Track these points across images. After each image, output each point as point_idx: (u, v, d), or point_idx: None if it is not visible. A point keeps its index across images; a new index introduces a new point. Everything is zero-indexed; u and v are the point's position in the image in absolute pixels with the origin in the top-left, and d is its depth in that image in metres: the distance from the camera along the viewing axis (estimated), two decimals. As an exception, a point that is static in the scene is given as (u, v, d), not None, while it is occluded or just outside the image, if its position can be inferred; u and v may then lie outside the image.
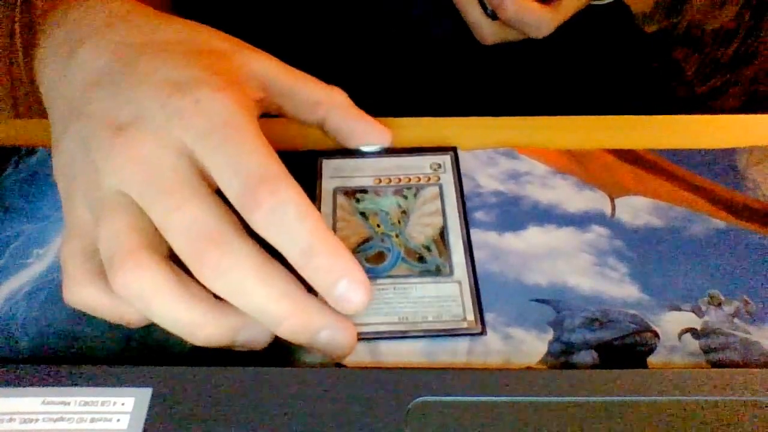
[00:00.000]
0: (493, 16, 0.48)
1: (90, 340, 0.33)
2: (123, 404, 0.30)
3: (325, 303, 0.29)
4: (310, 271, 0.28)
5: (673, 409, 0.29)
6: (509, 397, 0.30)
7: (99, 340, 0.33)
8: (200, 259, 0.28)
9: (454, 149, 0.40)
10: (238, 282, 0.28)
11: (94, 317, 0.31)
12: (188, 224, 0.28)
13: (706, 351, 0.33)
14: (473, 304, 0.34)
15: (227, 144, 0.29)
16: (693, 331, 0.33)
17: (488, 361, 0.32)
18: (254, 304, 0.28)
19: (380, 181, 0.38)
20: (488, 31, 0.49)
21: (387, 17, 0.57)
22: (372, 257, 0.35)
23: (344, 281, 0.28)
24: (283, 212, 0.28)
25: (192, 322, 0.29)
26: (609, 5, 0.59)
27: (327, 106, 0.36)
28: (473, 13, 0.49)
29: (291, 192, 0.28)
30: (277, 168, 0.28)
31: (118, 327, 0.33)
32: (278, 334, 0.29)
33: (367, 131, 0.38)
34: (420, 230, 0.36)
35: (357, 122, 0.37)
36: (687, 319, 0.34)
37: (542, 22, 0.46)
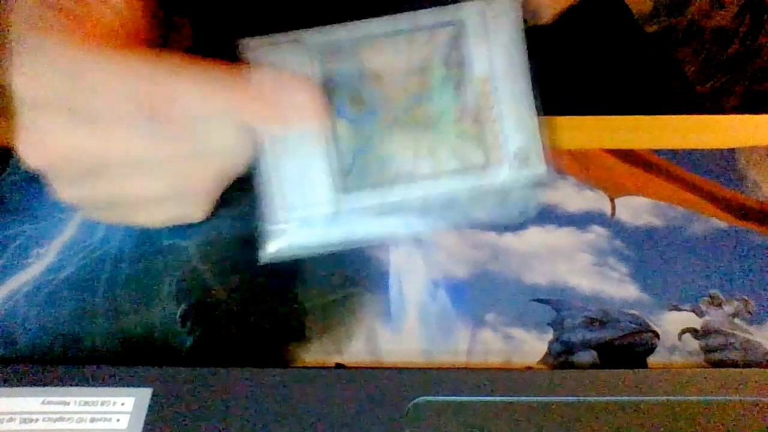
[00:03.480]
0: None
1: (90, 340, 0.33)
2: (123, 404, 0.30)
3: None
4: None
5: (673, 409, 0.29)
6: (509, 397, 0.30)
7: (99, 340, 0.33)
8: None
9: None
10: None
11: (94, 317, 0.31)
12: None
13: (706, 351, 0.33)
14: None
15: None
16: (693, 331, 0.33)
17: (488, 361, 0.32)
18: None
19: None
20: None
21: (379, 9, 0.57)
22: None
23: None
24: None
25: None
26: None
27: None
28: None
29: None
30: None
31: (118, 327, 0.33)
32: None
33: None
34: None
35: None
36: (687, 319, 0.34)
37: (540, 10, 0.46)
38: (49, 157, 0.28)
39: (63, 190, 0.30)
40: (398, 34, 0.29)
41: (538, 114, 0.31)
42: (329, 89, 0.29)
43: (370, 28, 0.29)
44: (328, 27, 0.30)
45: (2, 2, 0.32)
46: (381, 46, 0.29)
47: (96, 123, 0.27)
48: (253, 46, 0.29)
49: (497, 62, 0.29)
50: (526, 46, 0.29)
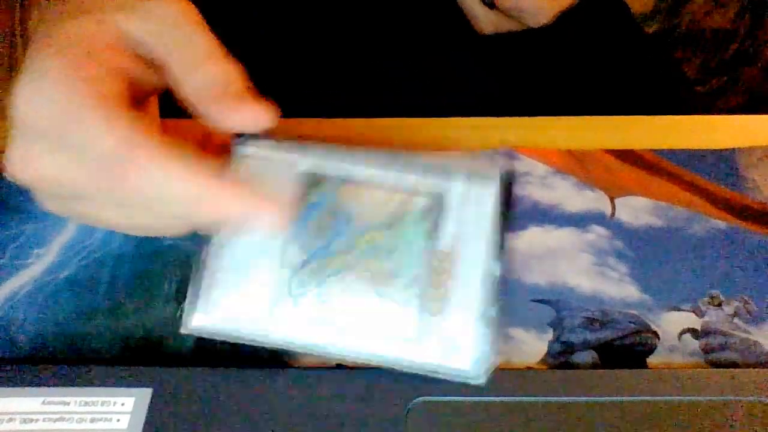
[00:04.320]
0: (490, 4, 0.48)
1: (90, 340, 0.33)
2: (123, 404, 0.30)
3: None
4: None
5: (673, 409, 0.29)
6: (509, 397, 0.30)
7: (99, 340, 0.33)
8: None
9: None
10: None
11: (93, 317, 0.31)
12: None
13: (706, 351, 0.33)
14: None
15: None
16: (693, 331, 0.33)
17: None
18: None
19: None
20: (485, 20, 0.49)
21: (380, 11, 0.56)
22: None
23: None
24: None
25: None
26: None
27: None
28: (470, 2, 0.49)
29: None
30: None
31: (118, 327, 0.33)
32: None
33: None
34: None
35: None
36: (687, 319, 0.34)
37: (540, 10, 0.46)
38: (32, 177, 0.29)
39: (45, 204, 0.31)
40: (380, 188, 0.30)
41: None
42: (300, 207, 0.30)
43: (358, 172, 0.30)
44: (321, 150, 0.30)
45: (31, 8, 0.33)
46: (361, 192, 0.30)
47: (77, 161, 0.28)
48: (245, 148, 0.30)
49: (461, 245, 0.29)
50: (499, 226, 0.30)
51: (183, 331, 0.30)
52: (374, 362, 0.29)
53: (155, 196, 0.28)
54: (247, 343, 0.30)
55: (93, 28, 0.29)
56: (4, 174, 0.40)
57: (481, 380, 0.28)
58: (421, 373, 0.29)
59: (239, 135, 0.31)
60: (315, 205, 0.30)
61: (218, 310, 0.30)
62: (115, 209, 0.30)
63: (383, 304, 0.29)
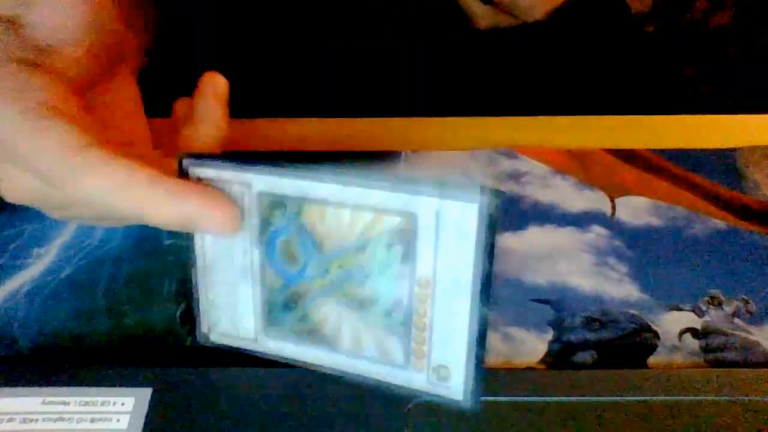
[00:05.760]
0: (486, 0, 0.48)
1: (90, 340, 0.33)
2: (123, 404, 0.30)
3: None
4: None
5: (673, 409, 0.29)
6: (509, 397, 0.30)
7: (99, 340, 0.33)
8: None
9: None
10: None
11: (93, 317, 0.31)
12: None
13: (706, 351, 0.33)
14: None
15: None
16: (693, 331, 0.33)
17: (488, 361, 0.32)
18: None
19: None
20: (481, 15, 0.49)
21: (377, 9, 0.56)
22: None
23: None
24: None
25: None
26: None
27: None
28: None
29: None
30: None
31: (118, 327, 0.33)
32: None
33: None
34: None
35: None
36: (687, 319, 0.34)
37: (535, 5, 0.46)
38: (21, 199, 0.29)
39: (48, 214, 0.31)
40: (344, 206, 0.27)
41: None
42: (265, 231, 0.28)
43: (318, 190, 0.27)
44: (277, 169, 0.27)
45: None
46: (324, 213, 0.27)
47: (39, 179, 0.27)
48: (195, 169, 0.28)
49: (443, 271, 0.26)
50: (485, 253, 0.25)
51: (200, 340, 0.30)
52: (368, 381, 0.28)
53: (101, 204, 0.27)
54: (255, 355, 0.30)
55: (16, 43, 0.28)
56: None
57: (473, 407, 0.27)
58: (413, 393, 0.28)
59: (189, 155, 0.28)
60: (280, 230, 0.28)
61: (217, 329, 0.30)
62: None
63: (368, 330, 0.28)
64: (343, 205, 0.27)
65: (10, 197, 0.29)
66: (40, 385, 0.30)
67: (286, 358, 0.29)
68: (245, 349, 0.30)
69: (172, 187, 0.26)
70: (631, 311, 0.34)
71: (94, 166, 0.26)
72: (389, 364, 0.28)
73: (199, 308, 0.30)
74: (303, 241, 0.28)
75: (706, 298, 0.34)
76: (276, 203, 0.28)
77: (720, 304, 0.34)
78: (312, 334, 0.28)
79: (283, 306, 0.28)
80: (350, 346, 0.28)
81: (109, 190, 0.26)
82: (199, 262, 0.29)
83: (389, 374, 0.28)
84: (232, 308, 0.29)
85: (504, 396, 0.30)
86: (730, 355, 0.33)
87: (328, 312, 0.28)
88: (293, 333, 0.29)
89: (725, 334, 0.33)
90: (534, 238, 0.37)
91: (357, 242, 0.27)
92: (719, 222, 0.38)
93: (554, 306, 0.34)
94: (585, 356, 0.33)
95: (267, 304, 0.29)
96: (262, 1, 0.57)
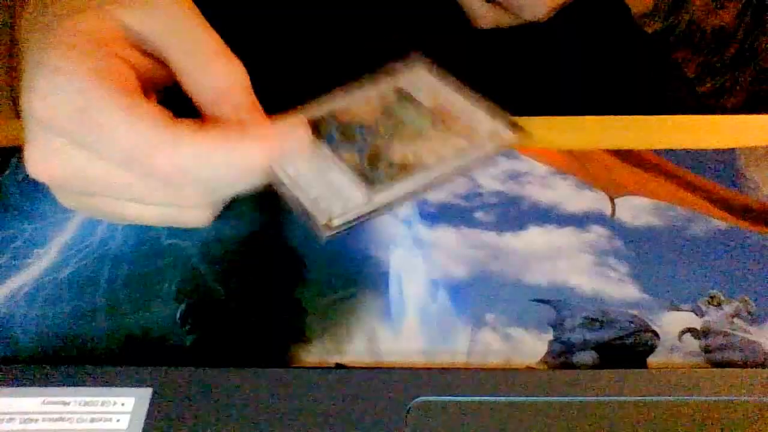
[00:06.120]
0: None
1: (90, 340, 0.33)
2: (123, 404, 0.30)
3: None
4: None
5: (673, 409, 0.29)
6: (509, 397, 0.30)
7: (99, 340, 0.33)
8: None
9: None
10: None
11: (93, 317, 0.31)
12: None
13: (706, 351, 0.33)
14: None
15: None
16: (693, 331, 0.33)
17: (488, 361, 0.32)
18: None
19: None
20: (483, 14, 0.49)
21: (377, 8, 0.56)
22: None
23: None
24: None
25: None
26: None
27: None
28: None
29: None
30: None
31: (118, 327, 0.33)
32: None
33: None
34: None
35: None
36: (687, 319, 0.34)
37: (537, 3, 0.46)
38: (52, 175, 0.29)
39: (63, 200, 0.31)
40: (351, 93, 0.35)
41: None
42: (321, 135, 0.34)
43: (337, 100, 0.35)
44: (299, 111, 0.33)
45: (16, 15, 0.32)
46: (351, 107, 0.35)
47: (98, 157, 0.28)
48: None
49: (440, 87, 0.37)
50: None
51: (328, 235, 0.31)
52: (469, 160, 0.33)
53: (194, 175, 0.28)
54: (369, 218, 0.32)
55: (95, 23, 0.29)
56: (6, 173, 0.40)
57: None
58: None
59: None
60: (329, 137, 0.33)
61: (333, 214, 0.31)
62: (131, 202, 0.30)
63: (431, 143, 0.34)
64: (350, 92, 0.35)
65: (42, 174, 0.29)
66: (40, 385, 0.30)
67: (401, 198, 0.33)
68: (362, 216, 0.32)
69: (252, 128, 0.29)
70: (631, 311, 0.34)
71: (186, 134, 0.28)
72: (460, 152, 0.33)
73: (308, 211, 0.31)
74: (349, 125, 0.34)
75: (706, 298, 0.34)
76: (315, 126, 0.33)
77: (720, 304, 0.34)
78: (404, 170, 0.32)
79: (370, 168, 0.32)
80: (432, 159, 0.33)
81: (199, 154, 0.28)
82: (287, 181, 0.32)
83: (463, 160, 0.33)
84: (335, 193, 0.32)
85: (504, 396, 0.30)
86: (730, 355, 0.33)
87: (399, 150, 0.33)
88: (390, 180, 0.32)
89: (725, 334, 0.33)
90: (534, 238, 0.37)
91: (384, 111, 0.35)
92: (719, 222, 0.38)
93: (554, 306, 0.34)
94: (585, 356, 0.33)
95: (357, 171, 0.32)
96: (260, 20, 0.57)
